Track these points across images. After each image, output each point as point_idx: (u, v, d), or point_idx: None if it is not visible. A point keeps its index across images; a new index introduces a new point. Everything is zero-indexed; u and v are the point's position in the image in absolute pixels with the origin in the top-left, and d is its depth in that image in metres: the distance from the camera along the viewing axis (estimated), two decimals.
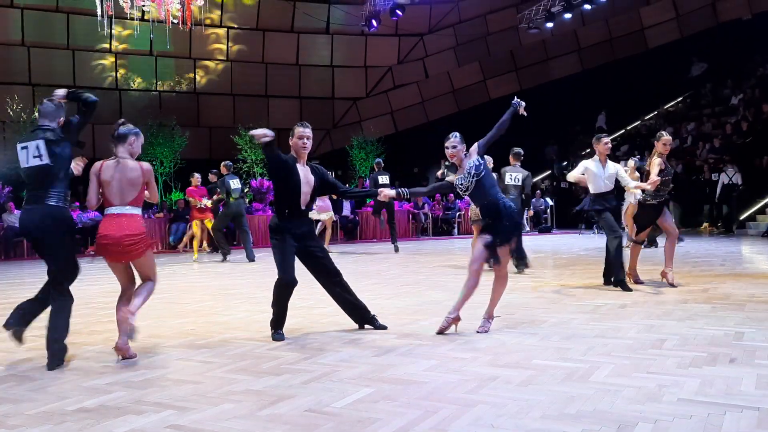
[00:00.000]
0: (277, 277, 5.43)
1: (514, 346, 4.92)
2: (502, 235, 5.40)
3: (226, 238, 13.37)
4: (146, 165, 4.96)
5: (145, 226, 4.99)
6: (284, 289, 5.41)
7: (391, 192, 5.75)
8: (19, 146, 4.69)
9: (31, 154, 4.61)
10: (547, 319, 6.00)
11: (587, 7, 20.86)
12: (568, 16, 21.37)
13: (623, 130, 25.99)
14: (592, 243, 14.95)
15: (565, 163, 26.18)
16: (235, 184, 12.47)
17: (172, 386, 4.07)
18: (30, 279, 10.74)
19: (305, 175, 5.56)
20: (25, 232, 4.79)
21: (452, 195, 10.02)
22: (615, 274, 7.81)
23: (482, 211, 5.58)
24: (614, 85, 25.00)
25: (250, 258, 12.54)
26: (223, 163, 12.75)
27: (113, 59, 21.85)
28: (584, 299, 7.10)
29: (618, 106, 25.98)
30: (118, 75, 22.25)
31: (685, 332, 5.23)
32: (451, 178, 5.64)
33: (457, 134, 5.57)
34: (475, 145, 5.53)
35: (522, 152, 9.86)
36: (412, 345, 5.06)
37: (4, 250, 15.01)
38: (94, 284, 9.39)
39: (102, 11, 11.98)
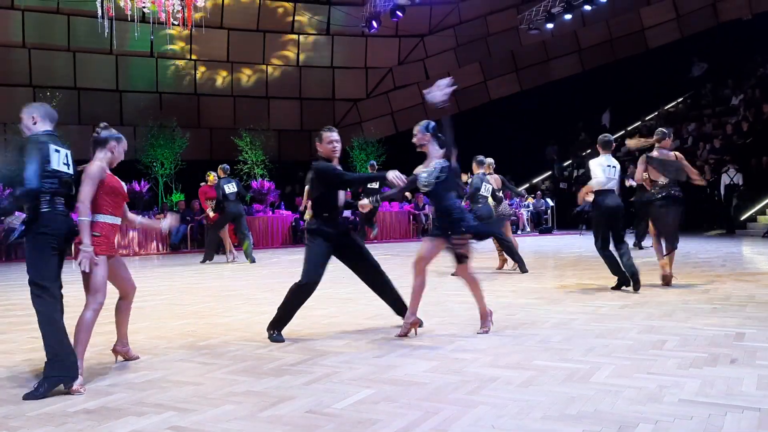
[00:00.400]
0: (300, 279, 5.46)
1: (515, 347, 4.92)
2: (452, 228, 5.37)
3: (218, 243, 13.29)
4: (91, 165, 4.39)
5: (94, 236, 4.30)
6: (304, 292, 5.48)
7: (365, 202, 5.84)
8: (53, 146, 4.26)
9: (61, 161, 4.29)
10: (547, 319, 6.00)
11: (587, 7, 20.84)
12: (568, 16, 21.36)
13: (623, 131, 25.97)
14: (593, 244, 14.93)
15: (566, 163, 26.20)
16: (230, 188, 12.43)
17: (173, 388, 4.07)
18: None
19: None
20: (67, 238, 4.25)
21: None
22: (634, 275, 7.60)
23: (436, 214, 5.61)
24: (615, 85, 24.99)
25: (251, 260, 12.55)
26: (219, 166, 12.76)
27: (114, 61, 21.85)
28: (585, 300, 7.10)
29: (618, 107, 25.99)
30: (119, 76, 22.24)
31: (686, 333, 5.23)
32: (418, 169, 5.60)
33: (425, 123, 5.53)
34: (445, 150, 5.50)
35: (484, 160, 9.95)
36: (412, 346, 5.06)
37: (5, 252, 15.01)
38: None
39: (102, 13, 11.97)
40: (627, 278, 7.65)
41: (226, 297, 8.14)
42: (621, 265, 7.66)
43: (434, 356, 4.70)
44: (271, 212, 18.44)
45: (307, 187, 14.45)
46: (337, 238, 5.56)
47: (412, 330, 5.48)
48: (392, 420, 3.40)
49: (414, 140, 5.54)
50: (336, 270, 10.26)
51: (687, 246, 13.34)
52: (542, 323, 5.83)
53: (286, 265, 12.24)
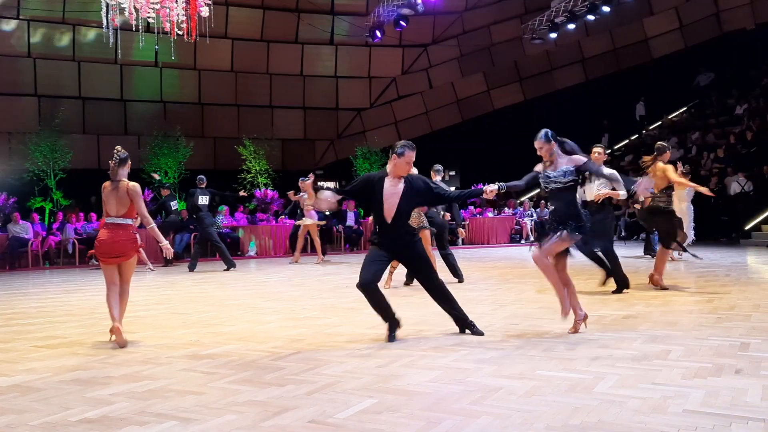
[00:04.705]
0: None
1: (518, 357, 4.90)
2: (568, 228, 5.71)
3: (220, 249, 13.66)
4: (130, 184, 5.87)
5: (134, 233, 5.86)
6: (364, 292, 5.63)
7: (494, 187, 5.91)
8: None
9: None
10: (551, 329, 5.98)
11: (591, 17, 20.89)
12: (572, 26, 21.40)
13: (627, 140, 25.96)
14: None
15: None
16: (203, 199, 13.17)
17: (176, 397, 4.07)
18: (34, 290, 10.76)
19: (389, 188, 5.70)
20: None
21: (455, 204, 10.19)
22: (623, 278, 8.31)
23: (556, 215, 5.84)
24: (618, 95, 25.00)
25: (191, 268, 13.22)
26: (198, 177, 13.56)
27: (119, 70, 21.94)
28: (588, 309, 7.06)
29: (622, 117, 25.99)
30: (124, 86, 22.33)
31: (690, 343, 5.21)
32: (539, 167, 5.90)
33: (543, 133, 5.87)
34: (580, 158, 5.83)
35: (442, 169, 10.13)
36: (415, 356, 5.05)
37: (9, 261, 15.03)
38: (98, 295, 9.39)
39: (107, 23, 12.02)
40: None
41: (229, 306, 8.14)
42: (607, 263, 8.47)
43: (437, 366, 4.69)
44: (274, 221, 18.45)
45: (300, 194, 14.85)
46: (392, 249, 5.74)
47: (582, 325, 5.83)
48: (395, 430, 3.38)
49: (539, 153, 5.87)
50: (339, 279, 10.30)
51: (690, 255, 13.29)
52: (546, 333, 5.81)
53: (289, 274, 12.23)
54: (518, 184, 6.20)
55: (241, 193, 15.10)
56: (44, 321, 7.23)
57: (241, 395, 4.06)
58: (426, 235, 9.16)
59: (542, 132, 5.87)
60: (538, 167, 5.92)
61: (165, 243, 6.10)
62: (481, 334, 5.78)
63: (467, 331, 5.88)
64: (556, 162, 5.81)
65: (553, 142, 5.83)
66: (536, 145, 5.86)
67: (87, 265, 15.54)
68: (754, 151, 19.99)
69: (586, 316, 5.87)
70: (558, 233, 5.71)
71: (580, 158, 5.82)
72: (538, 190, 25.18)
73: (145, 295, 9.29)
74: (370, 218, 18.28)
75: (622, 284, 8.32)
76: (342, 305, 7.83)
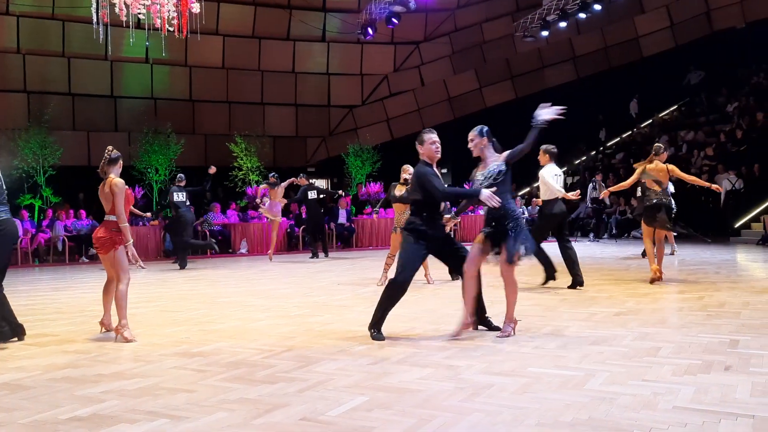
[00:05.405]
0: (394, 276, 5.60)
1: (509, 354, 4.92)
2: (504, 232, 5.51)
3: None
4: (114, 181, 5.94)
5: (114, 231, 5.88)
6: (396, 289, 5.57)
7: (450, 221, 6.05)
8: None
9: None
10: (542, 326, 5.99)
11: (582, 15, 20.94)
12: (563, 24, 21.44)
13: (618, 138, 26.02)
14: (588, 250, 14.97)
15: (562, 170, 26.26)
16: (178, 196, 13.30)
17: (166, 395, 4.05)
18: (24, 287, 10.70)
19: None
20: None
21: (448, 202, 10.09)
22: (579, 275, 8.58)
23: (487, 215, 5.68)
24: (609, 93, 25.06)
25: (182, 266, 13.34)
26: (178, 175, 13.84)
27: (109, 66, 21.81)
28: (579, 307, 7.10)
29: (614, 114, 26.05)
30: (114, 82, 22.19)
31: (680, 340, 5.24)
32: (474, 173, 5.77)
33: (479, 128, 5.71)
34: (507, 152, 5.66)
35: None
36: (407, 353, 5.05)
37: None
38: (88, 293, 9.37)
39: (97, 18, 11.93)
40: (553, 273, 8.64)
41: (220, 304, 8.12)
42: (567, 260, 8.63)
43: (428, 363, 4.69)
44: (266, 218, 18.40)
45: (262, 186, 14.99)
46: (434, 239, 5.64)
47: (463, 332, 5.62)
48: (386, 427, 3.39)
49: (470, 146, 5.69)
50: (331, 277, 10.31)
51: (682, 253, 13.37)
52: (537, 330, 5.83)
53: (280, 272, 12.22)
54: (465, 205, 6.25)
55: (211, 171, 13.68)
56: (34, 319, 7.19)
57: (231, 393, 4.06)
58: None
59: (478, 126, 5.70)
60: (473, 173, 5.78)
61: (131, 242, 5.92)
62: (497, 329, 5.74)
63: (481, 327, 5.84)
64: (487, 161, 5.65)
65: (485, 137, 5.65)
66: (469, 137, 5.69)
67: (77, 262, 15.47)
68: (744, 150, 20.08)
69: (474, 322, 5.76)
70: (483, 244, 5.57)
71: (507, 152, 5.67)
72: (528, 189, 25.26)
73: (136, 293, 9.24)
74: (374, 216, 18.35)
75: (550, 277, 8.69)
76: (333, 303, 7.83)
